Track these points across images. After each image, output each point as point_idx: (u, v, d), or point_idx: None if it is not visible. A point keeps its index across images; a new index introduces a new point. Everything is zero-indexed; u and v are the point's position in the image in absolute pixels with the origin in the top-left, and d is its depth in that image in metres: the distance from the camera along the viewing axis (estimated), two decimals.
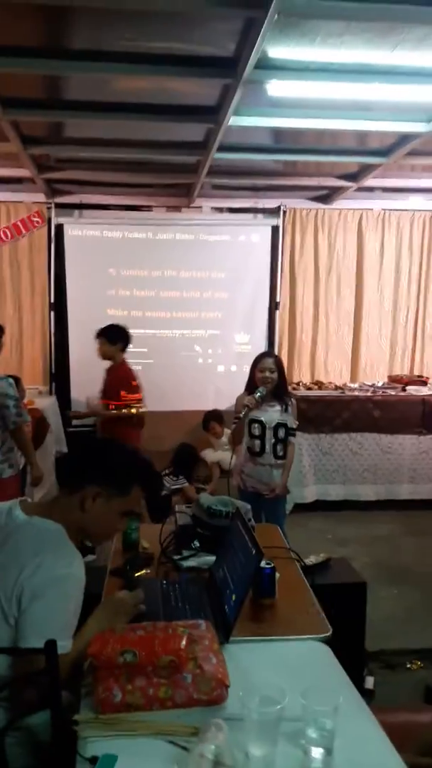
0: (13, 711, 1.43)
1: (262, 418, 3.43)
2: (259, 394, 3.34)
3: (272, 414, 3.43)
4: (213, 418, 5.51)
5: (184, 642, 1.38)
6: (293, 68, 2.87)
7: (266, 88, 3.03)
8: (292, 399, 3.54)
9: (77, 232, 5.65)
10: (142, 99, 3.40)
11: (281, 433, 3.43)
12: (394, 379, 5.80)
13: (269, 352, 3.82)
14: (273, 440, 3.43)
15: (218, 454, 5.40)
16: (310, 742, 1.18)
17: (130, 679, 1.34)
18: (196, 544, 2.14)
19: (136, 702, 1.32)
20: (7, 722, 1.39)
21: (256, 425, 3.44)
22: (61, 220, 5.58)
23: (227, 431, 5.37)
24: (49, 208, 5.51)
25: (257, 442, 3.45)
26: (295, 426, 3.51)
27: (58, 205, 5.54)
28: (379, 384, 5.69)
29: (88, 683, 1.40)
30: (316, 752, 1.17)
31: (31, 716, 1.42)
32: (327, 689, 1.25)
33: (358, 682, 1.51)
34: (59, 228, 5.60)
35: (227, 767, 1.10)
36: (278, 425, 3.42)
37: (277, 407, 3.43)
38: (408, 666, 3.01)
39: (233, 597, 1.66)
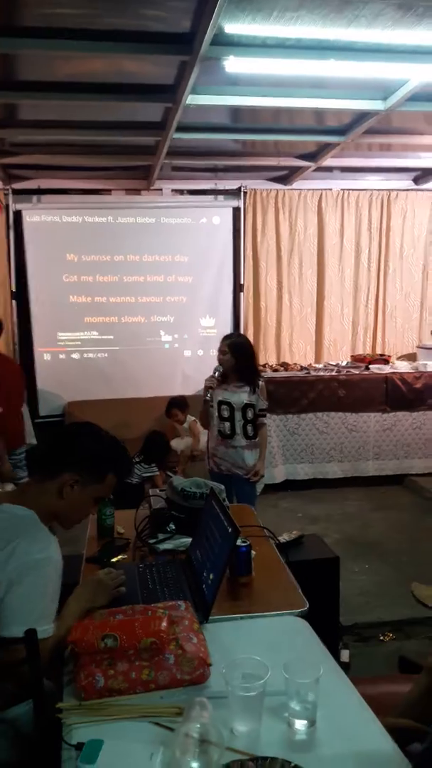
0: None
1: (230, 400, 3.44)
2: (216, 372, 3.45)
3: (240, 395, 3.43)
4: (175, 404, 5.45)
5: (164, 623, 1.38)
6: (250, 44, 2.84)
7: (223, 65, 2.99)
8: (260, 380, 3.53)
9: (36, 218, 5.52)
10: (98, 78, 3.32)
11: (249, 414, 3.44)
12: (357, 359, 5.87)
13: (229, 334, 3.83)
14: (242, 421, 3.44)
15: (184, 441, 5.41)
16: (293, 715, 1.20)
17: (112, 664, 1.33)
18: (172, 527, 2.14)
19: (119, 686, 1.31)
20: None
21: (225, 407, 3.45)
22: (19, 206, 5.44)
23: (190, 417, 5.36)
24: (6, 195, 5.37)
25: (227, 424, 3.46)
26: (264, 407, 3.52)
27: (16, 191, 5.40)
28: (343, 364, 5.76)
29: (69, 670, 1.39)
30: (300, 724, 1.19)
31: (12, 708, 1.40)
32: (307, 662, 1.26)
33: (333, 655, 1.53)
34: (17, 214, 5.46)
35: (213, 745, 1.11)
36: (246, 406, 3.43)
37: (246, 388, 3.44)
38: (381, 638, 3.08)
39: (210, 576, 1.67)
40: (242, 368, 3.46)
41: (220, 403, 3.45)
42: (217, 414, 3.48)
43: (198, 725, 1.13)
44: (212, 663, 1.36)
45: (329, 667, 1.38)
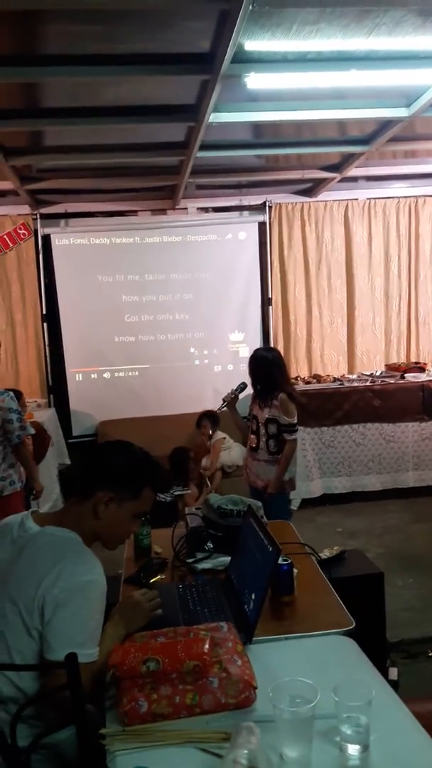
0: (39, 728, 1.40)
1: (256, 414, 3.47)
2: (239, 387, 3.53)
3: (264, 409, 3.44)
4: (207, 416, 5.43)
5: (207, 645, 1.35)
6: (270, 60, 2.85)
7: (245, 82, 3.00)
8: (280, 395, 3.38)
9: (64, 241, 5.62)
10: (121, 102, 3.37)
11: (272, 428, 3.40)
12: (391, 368, 5.78)
13: (257, 348, 3.88)
14: (266, 436, 3.42)
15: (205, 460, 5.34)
16: (345, 739, 1.15)
17: (155, 688, 1.30)
18: (210, 545, 2.11)
19: (163, 711, 1.28)
20: (33, 740, 1.35)
21: (253, 420, 3.50)
22: (47, 230, 5.55)
23: (219, 434, 5.31)
24: (34, 219, 5.48)
25: (254, 437, 3.49)
26: (286, 422, 3.37)
27: (44, 216, 5.51)
28: (377, 373, 5.68)
29: (111, 695, 1.37)
30: (353, 749, 1.14)
31: (56, 733, 1.39)
32: (357, 683, 1.22)
33: (381, 673, 1.47)
34: (46, 238, 5.56)
35: None
36: (268, 421, 3.41)
37: (268, 402, 3.42)
38: (430, 654, 2.98)
39: (252, 596, 1.63)
40: (260, 382, 3.46)
41: (251, 417, 3.50)
42: (249, 427, 3.53)
43: (246, 751, 1.09)
44: (258, 686, 1.32)
45: (380, 687, 1.33)
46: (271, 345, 5.82)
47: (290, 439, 3.41)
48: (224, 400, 3.56)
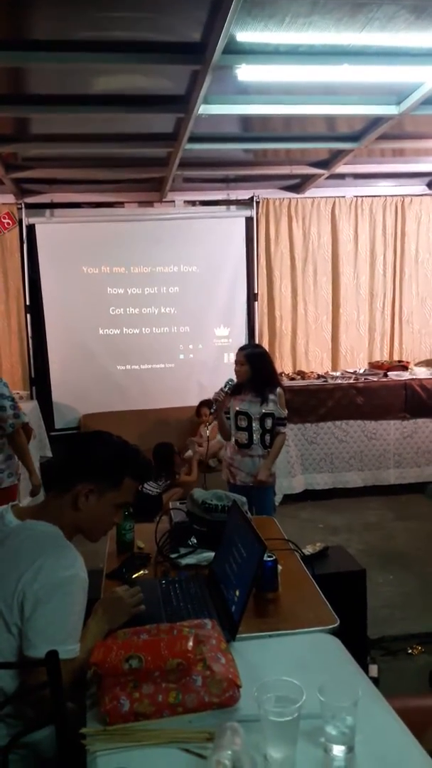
0: (17, 727, 1.37)
1: (248, 410, 3.43)
2: (227, 385, 3.45)
3: (258, 405, 3.40)
4: (206, 404, 5.44)
5: (191, 643, 1.33)
6: (262, 51, 2.82)
7: (235, 74, 2.97)
8: (278, 389, 3.48)
9: (49, 231, 5.54)
10: (110, 91, 3.32)
11: (268, 423, 3.41)
12: (375, 365, 5.80)
13: (244, 345, 3.86)
14: (261, 431, 3.41)
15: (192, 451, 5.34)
16: (330, 740, 1.14)
17: (138, 687, 1.28)
18: (194, 540, 2.09)
19: (146, 710, 1.26)
20: (10, 739, 1.32)
21: (243, 417, 3.44)
22: (32, 220, 5.47)
23: (214, 423, 5.33)
24: (19, 209, 5.39)
25: (244, 434, 3.44)
26: (283, 415, 3.48)
27: (29, 206, 5.43)
28: (361, 371, 5.69)
29: (92, 693, 1.34)
30: (338, 750, 1.13)
31: (35, 732, 1.36)
32: (342, 683, 1.21)
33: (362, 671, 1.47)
34: (31, 228, 5.48)
35: None
36: (265, 415, 3.40)
37: (258, 399, 3.40)
38: (409, 651, 2.99)
39: (237, 593, 1.61)
40: (259, 378, 3.43)
41: (238, 413, 3.44)
42: (234, 424, 3.47)
43: (230, 752, 1.07)
44: (242, 684, 1.31)
45: (365, 688, 1.32)
46: (257, 340, 5.82)
47: (283, 432, 3.50)
48: (216, 400, 3.48)
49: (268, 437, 3.42)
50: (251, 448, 3.44)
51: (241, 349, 3.57)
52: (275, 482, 3.61)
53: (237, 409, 3.45)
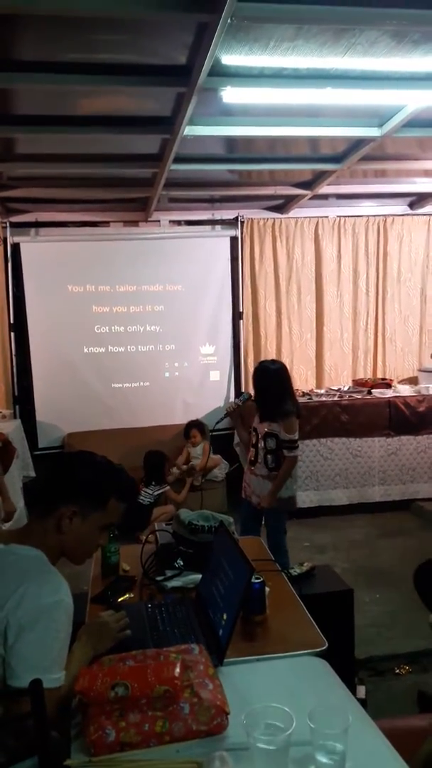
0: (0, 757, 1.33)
1: (256, 427, 3.43)
2: (242, 398, 3.49)
3: (263, 423, 3.40)
4: (195, 425, 5.51)
5: (178, 669, 1.30)
6: (247, 74, 2.85)
7: (221, 96, 3.00)
8: (287, 410, 3.33)
9: (34, 250, 5.52)
10: (96, 112, 3.34)
11: (270, 443, 3.35)
12: (358, 383, 5.83)
13: (261, 360, 3.77)
14: (263, 451, 3.37)
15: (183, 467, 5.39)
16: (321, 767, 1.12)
17: (124, 715, 1.25)
18: (180, 562, 2.06)
19: (132, 739, 1.23)
20: None
21: (254, 433, 3.45)
22: (17, 239, 5.45)
23: (204, 442, 5.35)
24: (4, 227, 5.38)
25: (253, 450, 3.45)
26: (286, 438, 3.31)
27: (13, 224, 5.42)
28: (345, 388, 5.72)
29: (77, 723, 1.31)
30: None
31: (18, 763, 1.32)
32: (332, 708, 1.19)
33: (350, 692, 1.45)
34: (15, 247, 5.47)
35: None
36: (267, 435, 3.37)
37: (264, 417, 3.40)
38: (397, 671, 2.97)
39: (224, 616, 1.59)
40: (264, 396, 3.42)
41: (252, 429, 3.46)
42: (250, 441, 3.49)
43: None
44: (230, 711, 1.28)
45: (355, 713, 1.30)
46: (242, 359, 5.84)
47: (290, 456, 3.33)
48: (227, 411, 3.50)
49: (270, 458, 3.35)
50: (256, 466, 3.43)
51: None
52: (289, 506, 3.46)
53: (252, 424, 3.48)
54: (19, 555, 1.47)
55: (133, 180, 4.64)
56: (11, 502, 3.42)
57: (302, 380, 5.98)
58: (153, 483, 4.96)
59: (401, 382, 5.98)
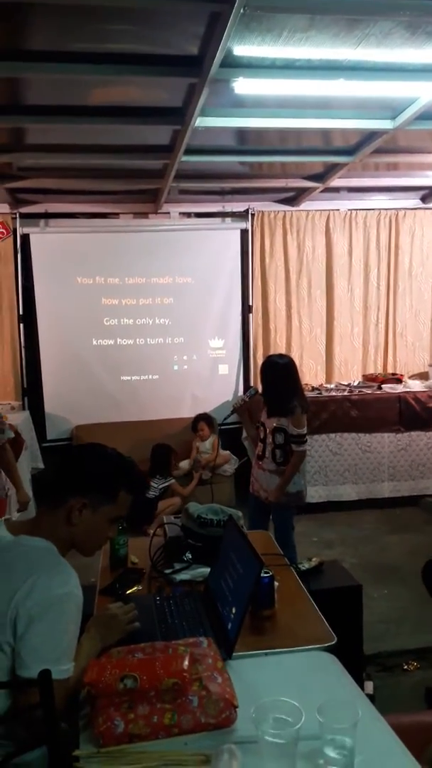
0: (8, 747, 1.33)
1: (264, 421, 3.42)
2: (249, 393, 3.47)
3: (271, 418, 3.39)
4: (203, 418, 5.50)
5: (186, 662, 1.30)
6: (259, 65, 2.82)
7: (232, 87, 2.98)
8: (295, 405, 3.32)
9: (44, 241, 5.52)
10: (106, 102, 3.32)
11: (279, 438, 3.34)
12: (369, 378, 5.81)
13: (269, 355, 3.75)
14: (272, 446, 3.36)
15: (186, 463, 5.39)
16: (329, 763, 1.11)
17: (132, 707, 1.25)
18: (188, 556, 2.06)
19: (140, 731, 1.23)
20: (1, 761, 1.28)
21: (261, 427, 3.44)
22: (26, 230, 5.45)
23: (213, 436, 5.34)
24: (14, 219, 5.37)
25: (261, 445, 3.45)
26: (295, 433, 3.31)
27: (23, 215, 5.41)
28: (355, 383, 5.70)
29: (85, 714, 1.31)
30: None
31: (27, 753, 1.32)
32: (341, 702, 1.18)
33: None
34: (25, 238, 5.46)
35: None
36: (276, 429, 3.35)
37: (272, 411, 3.39)
38: (405, 667, 2.97)
39: (233, 610, 1.59)
40: (271, 390, 3.41)
41: (260, 423, 3.45)
42: (258, 435, 3.48)
43: None
44: (238, 704, 1.28)
45: (365, 708, 1.29)
46: (251, 352, 5.82)
47: (298, 450, 3.32)
48: (234, 407, 3.47)
49: (279, 453, 3.34)
50: (264, 461, 3.42)
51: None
52: (297, 501, 3.44)
53: (259, 419, 3.47)
54: (29, 546, 1.47)
55: (144, 171, 4.62)
56: (25, 492, 3.43)
57: (312, 375, 5.95)
58: (158, 476, 4.97)
59: (412, 377, 5.94)
